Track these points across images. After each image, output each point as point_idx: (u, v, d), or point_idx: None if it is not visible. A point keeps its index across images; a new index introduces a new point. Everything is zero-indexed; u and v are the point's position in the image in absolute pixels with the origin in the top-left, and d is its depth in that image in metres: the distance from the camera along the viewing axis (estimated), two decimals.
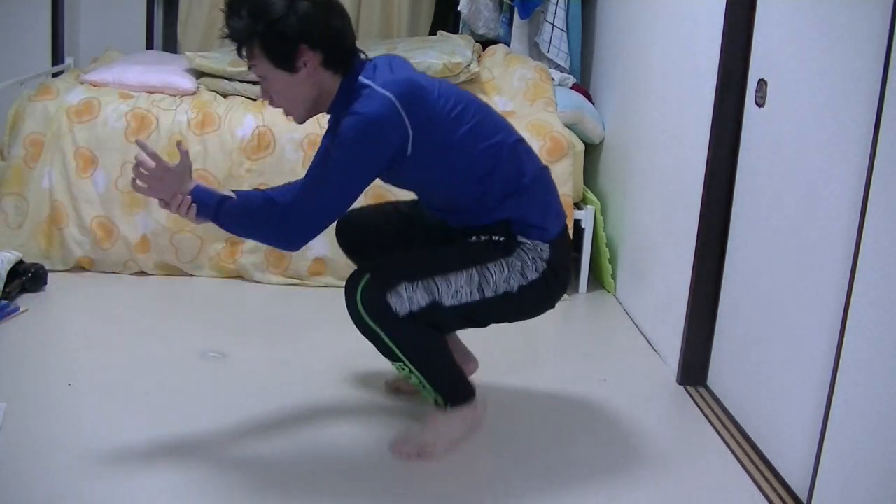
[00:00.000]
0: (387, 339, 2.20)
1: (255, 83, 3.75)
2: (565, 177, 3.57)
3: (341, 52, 2.17)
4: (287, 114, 2.23)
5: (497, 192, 2.25)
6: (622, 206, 3.62)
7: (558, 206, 2.39)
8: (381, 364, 2.58)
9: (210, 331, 3.09)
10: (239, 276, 3.62)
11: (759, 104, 2.48)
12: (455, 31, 4.61)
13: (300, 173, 3.50)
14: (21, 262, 3.30)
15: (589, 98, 4.04)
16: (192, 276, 3.59)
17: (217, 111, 3.62)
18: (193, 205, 2.15)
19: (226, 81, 3.80)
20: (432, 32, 4.74)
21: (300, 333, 3.11)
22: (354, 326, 2.23)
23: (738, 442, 2.47)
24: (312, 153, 3.07)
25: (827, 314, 2.07)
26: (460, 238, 2.32)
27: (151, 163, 2.15)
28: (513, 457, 2.37)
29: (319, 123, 2.97)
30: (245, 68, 3.72)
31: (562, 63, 4.18)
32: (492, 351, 2.81)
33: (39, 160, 3.54)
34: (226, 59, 3.85)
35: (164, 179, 2.16)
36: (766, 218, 2.42)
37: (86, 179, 3.54)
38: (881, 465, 1.81)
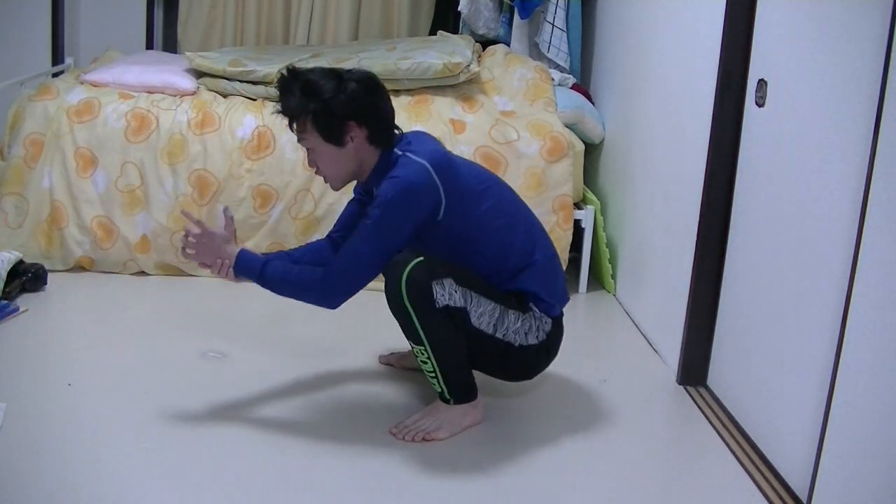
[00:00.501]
0: (416, 322, 2.29)
1: (254, 83, 3.76)
2: (565, 177, 3.57)
3: (385, 129, 2.39)
4: (327, 181, 2.44)
5: (511, 266, 2.42)
6: (622, 206, 3.62)
7: (564, 288, 2.57)
8: (381, 363, 2.59)
9: (210, 331, 3.09)
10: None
11: (759, 104, 2.48)
12: (455, 31, 4.60)
13: (300, 173, 3.53)
14: (21, 262, 3.30)
15: (589, 98, 4.04)
16: (192, 276, 3.59)
17: (217, 111, 3.62)
18: (231, 270, 2.36)
19: (226, 81, 3.80)
20: (432, 32, 4.73)
21: (300, 333, 3.11)
22: (387, 306, 2.31)
23: (738, 442, 2.47)
24: None
25: (827, 314, 2.07)
26: None
27: (197, 230, 2.37)
28: (512, 456, 2.37)
29: None
30: (245, 68, 3.76)
31: (562, 63, 4.18)
32: None
33: (39, 160, 3.54)
34: (226, 59, 3.85)
35: (209, 245, 2.37)
36: (766, 218, 2.42)
37: (86, 179, 3.54)
38: (881, 465, 1.81)
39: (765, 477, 2.30)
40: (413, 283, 2.26)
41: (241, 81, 3.78)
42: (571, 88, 4.02)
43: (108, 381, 2.68)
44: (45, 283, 3.36)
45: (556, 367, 2.67)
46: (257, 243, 3.57)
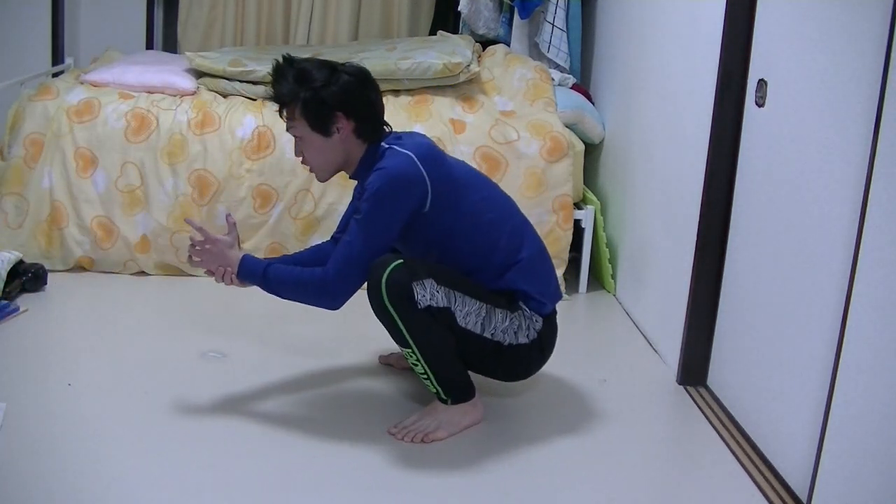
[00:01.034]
0: (401, 325, 2.29)
1: (254, 83, 3.76)
2: (565, 177, 3.57)
3: (372, 123, 2.41)
4: (312, 171, 2.46)
5: (498, 263, 2.42)
6: (622, 206, 3.62)
7: (556, 286, 2.56)
8: (380, 363, 2.59)
9: (210, 331, 3.09)
10: None
11: (759, 104, 2.48)
12: (455, 31, 4.60)
13: (300, 173, 3.53)
14: (21, 262, 3.30)
15: (589, 98, 4.04)
16: (192, 276, 3.59)
17: (217, 111, 3.62)
18: (235, 277, 2.41)
19: (226, 81, 3.80)
20: (432, 32, 4.73)
21: (300, 333, 3.11)
22: (371, 310, 2.29)
23: (738, 442, 2.47)
24: None
25: (827, 314, 2.07)
26: None
27: (200, 237, 2.42)
28: (512, 456, 2.37)
29: None
30: (245, 68, 3.76)
31: (562, 63, 4.18)
32: None
33: (39, 160, 3.54)
34: (226, 59, 3.85)
35: (212, 251, 2.42)
36: (766, 218, 2.42)
37: (86, 179, 3.54)
38: (881, 465, 1.81)
39: (765, 477, 2.30)
40: (393, 285, 2.25)
41: (241, 81, 3.78)
42: (571, 88, 4.02)
43: (108, 381, 2.68)
44: (45, 283, 3.36)
45: (555, 366, 2.68)
46: (257, 243, 3.57)
